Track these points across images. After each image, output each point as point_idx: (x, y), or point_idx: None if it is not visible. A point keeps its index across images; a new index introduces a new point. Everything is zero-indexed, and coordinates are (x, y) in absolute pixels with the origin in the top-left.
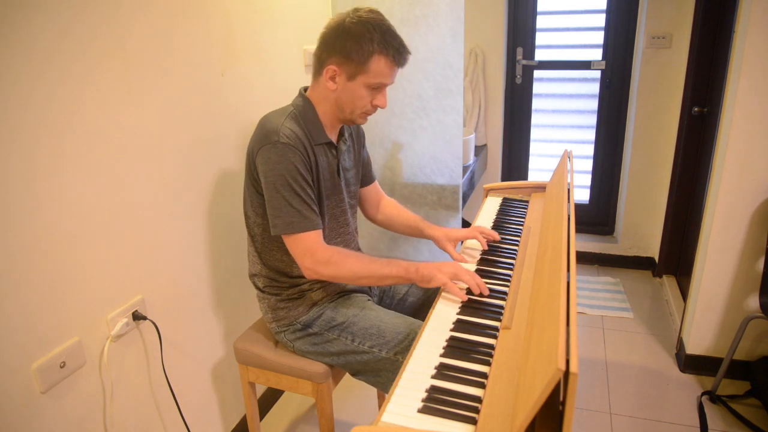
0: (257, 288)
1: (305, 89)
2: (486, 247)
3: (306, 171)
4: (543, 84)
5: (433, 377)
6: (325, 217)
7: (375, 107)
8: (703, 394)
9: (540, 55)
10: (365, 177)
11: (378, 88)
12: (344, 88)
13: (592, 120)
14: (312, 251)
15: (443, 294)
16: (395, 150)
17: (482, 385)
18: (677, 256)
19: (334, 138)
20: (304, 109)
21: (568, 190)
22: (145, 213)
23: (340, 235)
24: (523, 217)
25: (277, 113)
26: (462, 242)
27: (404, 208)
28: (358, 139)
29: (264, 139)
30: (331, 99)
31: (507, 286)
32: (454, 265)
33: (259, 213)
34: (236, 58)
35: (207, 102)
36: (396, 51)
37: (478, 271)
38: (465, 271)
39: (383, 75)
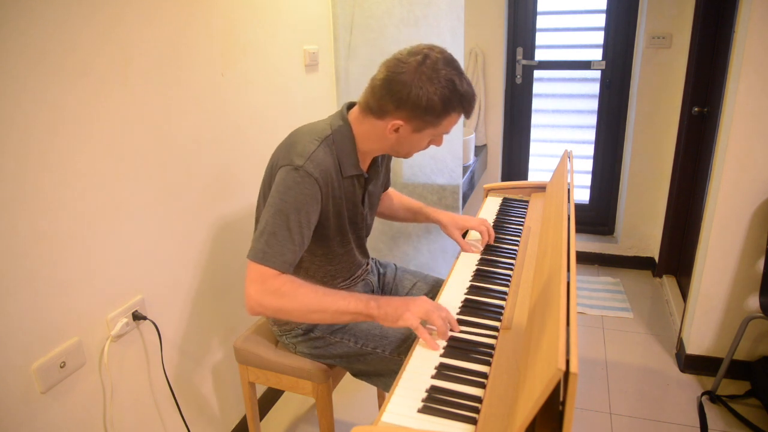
0: None
1: (349, 107)
2: (491, 242)
3: (315, 208)
4: (543, 84)
5: (434, 377)
6: (350, 244)
7: (429, 145)
8: (703, 394)
9: (540, 55)
10: (385, 185)
11: (440, 135)
12: (407, 138)
13: (592, 120)
14: (263, 279)
15: (444, 294)
16: None
17: (482, 385)
18: (677, 256)
19: (365, 168)
20: (342, 137)
21: (568, 190)
22: (145, 213)
23: (356, 255)
24: (523, 217)
25: (312, 132)
26: (467, 231)
27: (402, 194)
28: (389, 156)
29: (289, 158)
30: (385, 143)
31: (507, 286)
32: (424, 302)
33: None
34: (236, 58)
35: (207, 102)
36: (469, 104)
37: (477, 271)
38: (436, 313)
39: (451, 126)
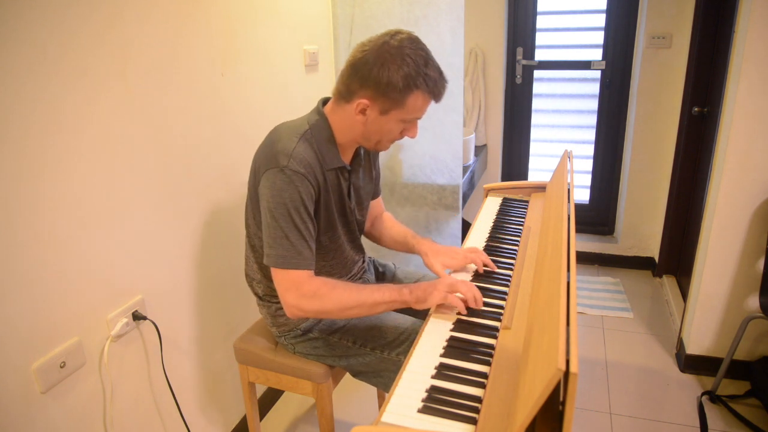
0: (256, 295)
1: (325, 102)
2: (481, 270)
3: (310, 202)
4: (543, 84)
5: (433, 377)
6: (339, 239)
7: (403, 136)
8: (703, 394)
9: (540, 55)
10: (374, 191)
11: (411, 121)
12: (374, 121)
13: (592, 120)
14: (298, 285)
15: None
16: (395, 150)
17: (482, 385)
18: (677, 256)
19: (348, 160)
20: (320, 130)
21: (568, 190)
22: (145, 213)
23: (348, 250)
24: (523, 217)
25: (290, 130)
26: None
27: (397, 222)
28: (374, 153)
29: (272, 160)
30: (357, 130)
31: (507, 286)
32: (448, 278)
33: (260, 227)
34: (236, 58)
35: (207, 102)
36: (435, 85)
37: (478, 271)
38: (462, 283)
39: (419, 110)
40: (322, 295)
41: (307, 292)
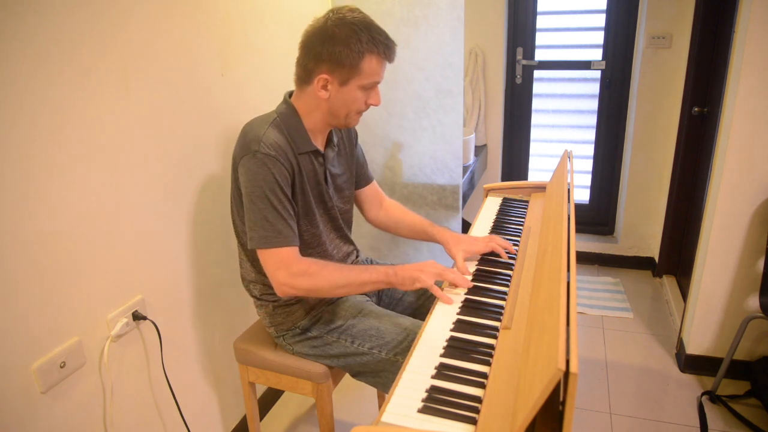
0: (253, 296)
1: (290, 94)
2: (506, 257)
3: (286, 183)
4: (543, 84)
5: (433, 377)
6: (318, 226)
7: (368, 106)
8: (703, 394)
9: (540, 55)
10: (360, 178)
11: (371, 87)
12: (337, 94)
13: (592, 120)
14: (287, 264)
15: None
16: (395, 150)
17: (482, 385)
18: (677, 256)
19: (321, 145)
20: (287, 116)
21: (568, 190)
22: (145, 213)
23: (332, 240)
24: (523, 217)
25: (259, 120)
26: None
27: (410, 210)
28: (350, 140)
29: (245, 148)
30: (323, 107)
31: (507, 286)
32: (435, 265)
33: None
34: (236, 58)
35: (207, 102)
36: (385, 47)
37: (478, 271)
38: (449, 271)
39: (375, 73)
40: (312, 273)
41: (298, 271)
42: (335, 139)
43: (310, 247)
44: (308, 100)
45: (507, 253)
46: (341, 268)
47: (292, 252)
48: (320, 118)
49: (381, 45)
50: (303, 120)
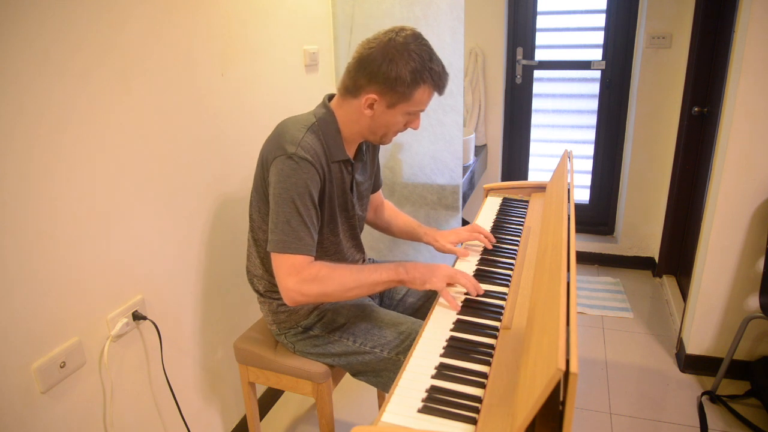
0: (257, 291)
1: (330, 97)
2: (490, 246)
3: (315, 190)
4: (543, 84)
5: (434, 377)
6: (339, 234)
7: (407, 128)
8: (703, 394)
9: (540, 55)
10: (375, 184)
11: (415, 113)
12: (381, 115)
13: (592, 120)
14: (298, 270)
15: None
16: (395, 150)
17: (482, 385)
18: (677, 256)
19: (351, 154)
20: (326, 123)
21: (568, 190)
22: (145, 213)
23: (348, 249)
24: (523, 217)
25: (298, 122)
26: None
27: (401, 212)
28: (374, 148)
29: (281, 149)
30: (363, 123)
31: (507, 286)
32: (447, 268)
33: (266, 220)
34: (236, 58)
35: (207, 102)
36: (440, 79)
37: (477, 271)
38: (461, 274)
39: (424, 103)
40: (322, 278)
41: (308, 277)
42: (363, 148)
43: (328, 254)
44: (350, 111)
45: (507, 253)
46: (351, 270)
47: (305, 260)
48: (357, 131)
49: (437, 77)
50: (341, 129)
